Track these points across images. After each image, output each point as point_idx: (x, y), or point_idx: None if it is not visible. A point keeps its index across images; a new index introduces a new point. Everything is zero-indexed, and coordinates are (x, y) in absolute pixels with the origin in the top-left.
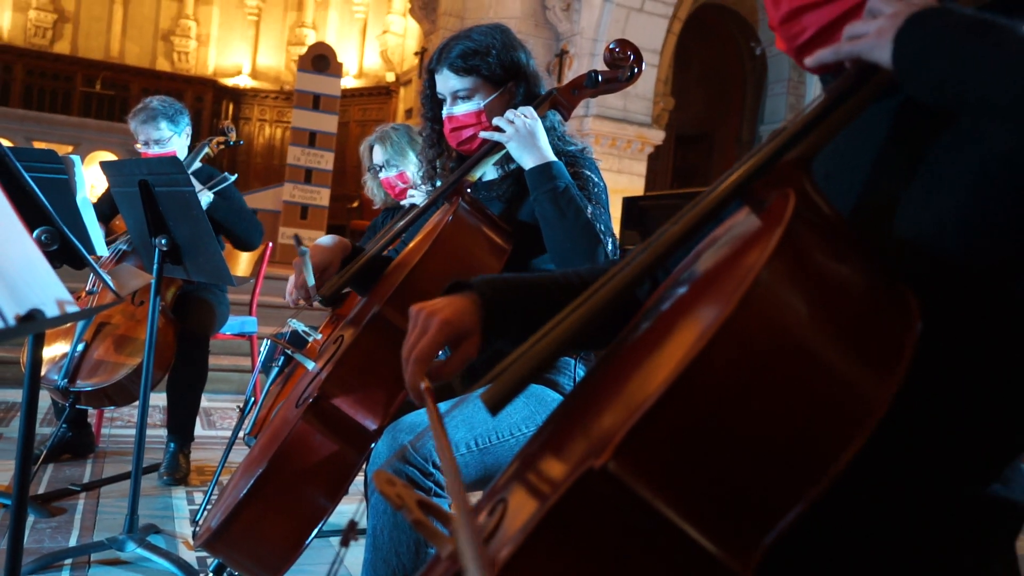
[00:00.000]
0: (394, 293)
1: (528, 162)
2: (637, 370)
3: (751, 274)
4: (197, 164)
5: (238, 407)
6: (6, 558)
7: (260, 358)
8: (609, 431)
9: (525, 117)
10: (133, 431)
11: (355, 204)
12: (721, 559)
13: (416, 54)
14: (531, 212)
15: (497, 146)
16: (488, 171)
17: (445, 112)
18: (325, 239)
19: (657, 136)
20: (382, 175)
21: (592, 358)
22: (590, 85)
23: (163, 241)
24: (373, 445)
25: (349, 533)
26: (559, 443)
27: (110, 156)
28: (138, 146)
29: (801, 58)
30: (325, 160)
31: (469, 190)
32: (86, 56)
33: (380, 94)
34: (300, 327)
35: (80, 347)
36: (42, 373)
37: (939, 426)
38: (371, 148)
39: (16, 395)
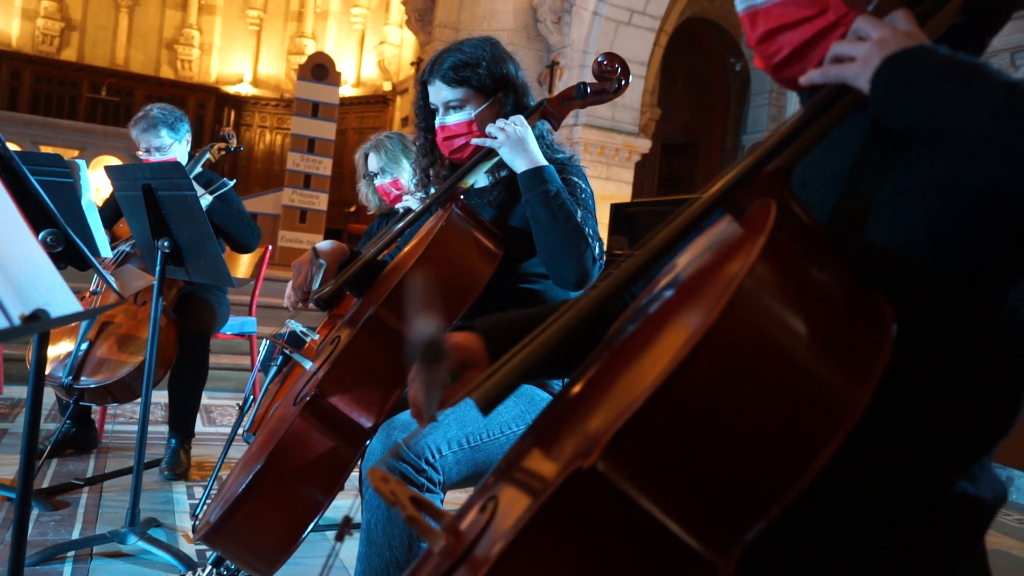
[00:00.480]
0: (389, 296)
1: (520, 166)
2: (625, 373)
3: (734, 282)
4: (199, 169)
5: (237, 405)
6: (11, 550)
7: (259, 357)
8: (598, 432)
9: (515, 125)
10: (135, 427)
11: (352, 208)
12: (704, 555)
13: (412, 64)
14: (522, 218)
15: (489, 154)
16: (480, 179)
17: (438, 122)
18: (324, 244)
19: (644, 145)
20: (377, 182)
21: None
22: (579, 96)
23: (166, 243)
24: (368, 442)
25: (344, 528)
26: (549, 442)
27: (115, 160)
28: (140, 153)
29: (778, 75)
30: (323, 166)
31: (462, 197)
32: (92, 63)
33: (377, 102)
34: (298, 328)
35: (84, 346)
36: (47, 371)
37: (910, 426)
38: (366, 156)
39: (22, 391)
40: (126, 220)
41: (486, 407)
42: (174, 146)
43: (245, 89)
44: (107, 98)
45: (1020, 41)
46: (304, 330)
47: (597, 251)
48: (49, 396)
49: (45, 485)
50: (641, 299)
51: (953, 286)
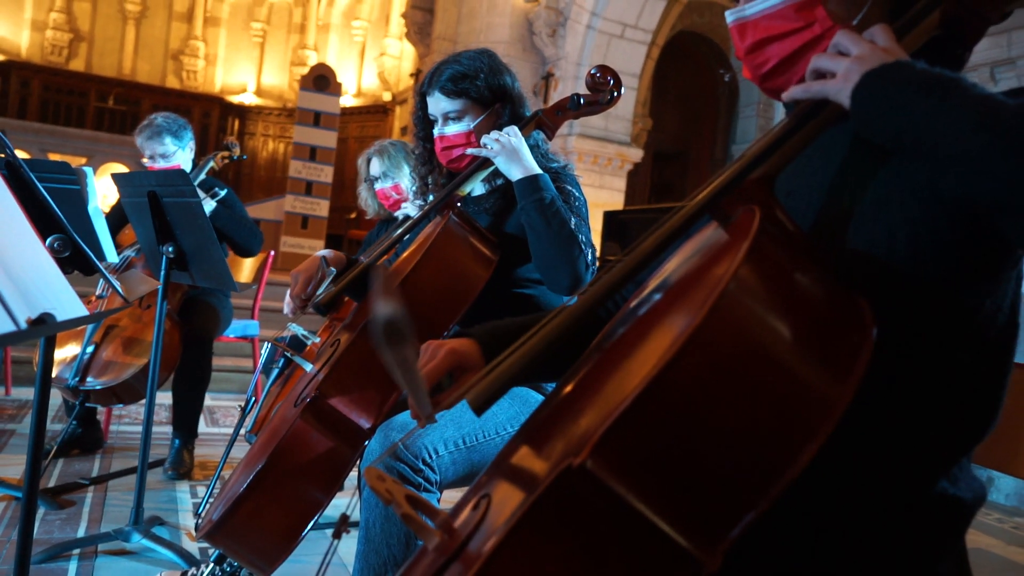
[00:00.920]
0: None
1: (515, 174)
2: (614, 374)
3: (719, 285)
4: (203, 176)
5: (240, 406)
6: (17, 547)
7: (261, 360)
8: (587, 431)
9: (510, 136)
10: (140, 428)
11: (352, 215)
12: (690, 551)
13: (411, 75)
14: (517, 225)
15: (485, 163)
16: (477, 187)
17: (436, 132)
18: (325, 252)
19: (636, 154)
20: (377, 186)
21: None
22: (573, 107)
23: (170, 249)
24: (366, 443)
25: (341, 525)
26: (540, 441)
27: (121, 168)
28: (144, 160)
29: (765, 86)
30: (325, 173)
31: (459, 204)
32: (100, 73)
33: (377, 112)
34: (299, 331)
35: (90, 348)
36: (54, 373)
37: (892, 428)
38: (369, 160)
39: (29, 393)
40: (132, 226)
41: (479, 408)
42: (178, 153)
43: (249, 99)
44: (114, 107)
45: (999, 56)
46: (305, 334)
47: (590, 257)
48: (55, 397)
49: (51, 484)
50: (631, 302)
51: (932, 292)
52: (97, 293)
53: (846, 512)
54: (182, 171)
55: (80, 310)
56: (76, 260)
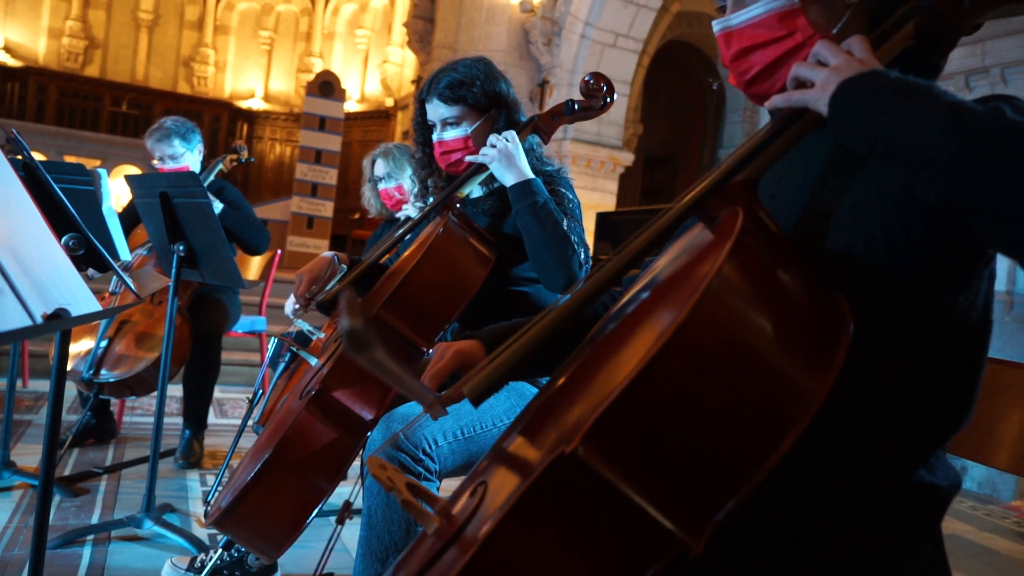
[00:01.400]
0: (390, 297)
1: (509, 179)
2: (604, 366)
3: (704, 282)
4: (211, 178)
5: (247, 398)
6: (34, 533)
7: (268, 354)
8: (578, 420)
9: (506, 141)
10: (151, 419)
11: (356, 216)
12: (676, 534)
13: (413, 82)
14: (514, 225)
15: (482, 167)
16: (475, 189)
17: (435, 137)
18: (328, 254)
19: (627, 158)
20: (381, 186)
21: None
22: (567, 113)
23: (181, 247)
24: (369, 433)
25: (344, 512)
26: (535, 430)
27: (134, 170)
28: (155, 162)
29: (750, 92)
30: (330, 176)
31: (458, 205)
32: (114, 79)
33: (380, 117)
34: (305, 327)
35: (104, 343)
36: (69, 366)
37: (871, 419)
38: (374, 161)
39: (45, 385)
40: (144, 225)
41: (476, 399)
42: (186, 155)
43: (257, 104)
44: (127, 112)
45: (974, 64)
46: (311, 329)
47: (583, 256)
48: (71, 390)
49: (67, 473)
50: (622, 299)
51: (908, 290)
52: (110, 290)
53: (828, 498)
54: (193, 173)
55: (94, 306)
56: (90, 258)
